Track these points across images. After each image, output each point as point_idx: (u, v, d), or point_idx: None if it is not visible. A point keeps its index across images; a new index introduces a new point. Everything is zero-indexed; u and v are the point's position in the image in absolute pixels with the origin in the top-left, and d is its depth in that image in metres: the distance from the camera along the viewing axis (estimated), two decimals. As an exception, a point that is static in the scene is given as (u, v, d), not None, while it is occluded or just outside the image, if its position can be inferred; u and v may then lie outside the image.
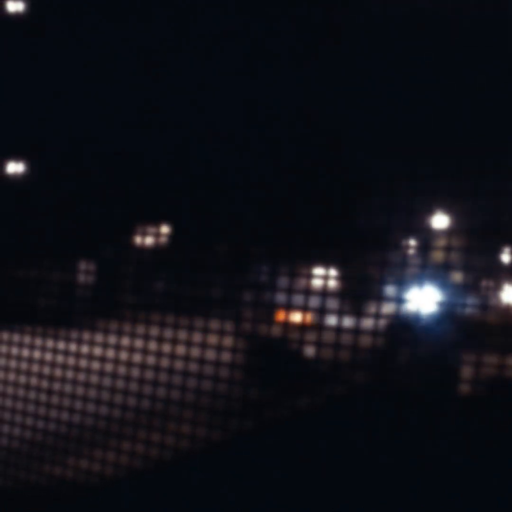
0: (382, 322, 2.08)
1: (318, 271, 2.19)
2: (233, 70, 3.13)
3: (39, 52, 3.39)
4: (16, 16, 3.63)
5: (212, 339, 2.23)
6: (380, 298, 2.07)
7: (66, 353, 2.47)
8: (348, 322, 2.09)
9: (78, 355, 2.45)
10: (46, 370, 2.52)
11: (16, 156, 3.16)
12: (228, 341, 2.23)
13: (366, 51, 3.00)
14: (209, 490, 2.25)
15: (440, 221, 2.35)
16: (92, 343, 2.42)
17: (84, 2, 3.33)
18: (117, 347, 2.37)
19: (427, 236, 2.23)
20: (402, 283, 2.06)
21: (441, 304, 2.07)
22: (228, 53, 3.12)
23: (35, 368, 2.55)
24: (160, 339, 2.30)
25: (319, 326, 2.10)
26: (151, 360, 2.32)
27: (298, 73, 3.02)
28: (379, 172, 2.33)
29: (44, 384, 2.51)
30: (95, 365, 2.41)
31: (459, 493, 2.22)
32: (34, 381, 2.54)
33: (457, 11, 2.68)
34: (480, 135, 2.45)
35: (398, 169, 2.22)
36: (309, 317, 2.20)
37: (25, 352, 2.57)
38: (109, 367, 2.38)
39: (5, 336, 2.64)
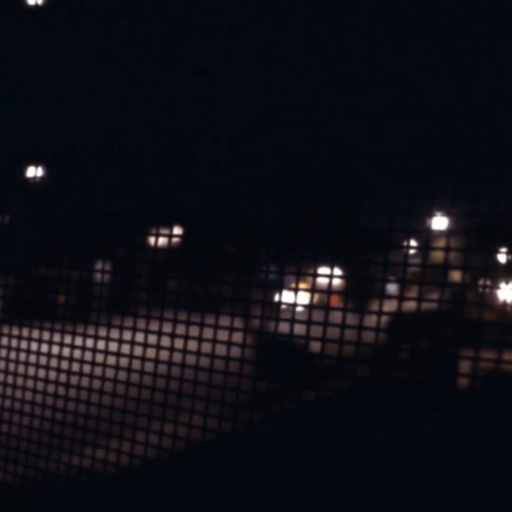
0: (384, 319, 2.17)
1: (323, 270, 2.28)
2: (242, 75, 3.22)
3: (52, 52, 3.47)
4: (36, 10, 3.59)
5: (222, 335, 2.33)
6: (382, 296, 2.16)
7: (84, 348, 2.58)
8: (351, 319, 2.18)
9: (94, 350, 2.56)
10: (64, 364, 2.63)
11: (35, 160, 3.26)
12: (237, 337, 2.32)
13: (369, 56, 3.09)
14: (220, 476, 2.34)
15: (439, 222, 2.43)
16: (108, 339, 2.53)
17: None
18: (132, 343, 2.47)
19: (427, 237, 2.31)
20: None
21: None
22: (236, 56, 3.21)
23: (53, 362, 2.66)
24: (172, 335, 2.40)
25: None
26: (164, 355, 2.42)
27: (304, 79, 3.11)
28: (381, 175, 2.41)
29: (62, 377, 2.62)
30: (111, 359, 2.51)
31: (458, 482, 2.29)
32: (52, 375, 2.66)
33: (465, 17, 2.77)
34: (479, 140, 2.53)
35: (399, 171, 2.31)
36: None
37: (44, 348, 2.68)
38: (124, 362, 2.49)
39: (25, 332, 2.75)
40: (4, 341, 2.81)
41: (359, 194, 2.51)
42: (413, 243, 2.28)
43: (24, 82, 3.47)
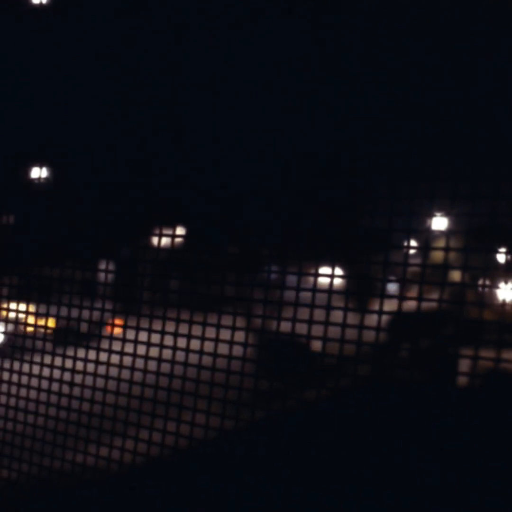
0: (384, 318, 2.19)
1: (324, 270, 2.30)
2: (242, 76, 3.24)
3: (58, 53, 3.48)
4: (38, 9, 3.59)
5: (225, 334, 2.35)
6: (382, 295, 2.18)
7: (87, 347, 2.60)
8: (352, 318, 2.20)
9: (98, 349, 2.58)
10: (68, 363, 2.66)
11: (39, 160, 3.27)
12: (239, 336, 2.35)
13: (369, 56, 3.10)
14: (221, 475, 2.36)
15: (439, 223, 2.45)
16: (111, 338, 2.56)
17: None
18: (135, 342, 2.50)
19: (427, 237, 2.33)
20: None
21: None
22: (236, 56, 3.22)
23: (57, 361, 2.68)
24: (175, 335, 2.43)
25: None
26: (166, 353, 2.44)
27: (303, 79, 3.13)
28: (381, 176, 2.43)
29: (66, 376, 2.65)
30: (115, 358, 2.53)
31: (458, 482, 2.31)
32: (56, 373, 2.68)
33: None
34: (478, 139, 2.54)
35: (399, 171, 2.32)
36: None
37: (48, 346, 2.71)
38: (127, 361, 2.51)
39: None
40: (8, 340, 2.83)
41: (359, 194, 2.53)
42: (413, 243, 2.29)
43: (25, 82, 3.49)
